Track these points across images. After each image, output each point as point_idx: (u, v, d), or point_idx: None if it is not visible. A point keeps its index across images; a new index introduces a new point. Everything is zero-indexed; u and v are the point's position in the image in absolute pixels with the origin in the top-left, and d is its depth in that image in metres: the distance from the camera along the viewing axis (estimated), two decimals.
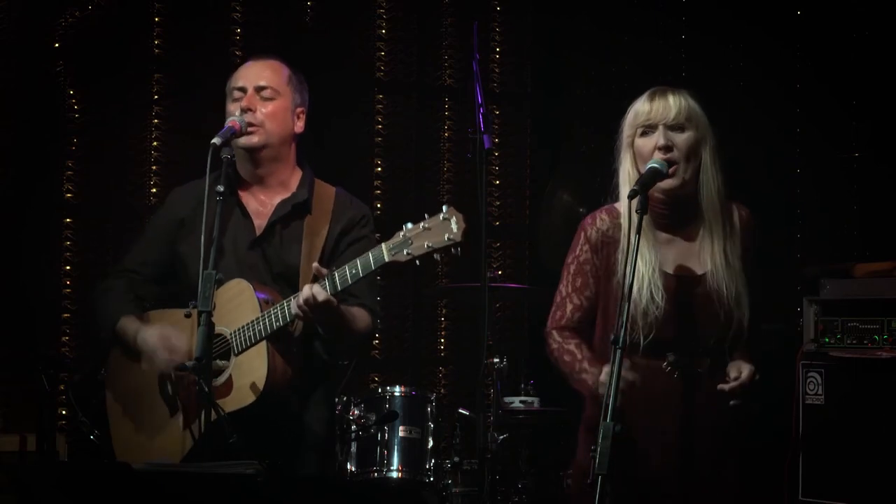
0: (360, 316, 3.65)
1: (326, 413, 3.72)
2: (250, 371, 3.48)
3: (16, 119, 5.41)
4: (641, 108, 3.26)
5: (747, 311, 3.26)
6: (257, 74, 3.74)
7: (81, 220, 5.60)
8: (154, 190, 5.68)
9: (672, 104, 3.22)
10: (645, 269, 3.24)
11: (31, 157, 5.43)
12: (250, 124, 3.66)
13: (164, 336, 3.61)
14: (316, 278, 3.43)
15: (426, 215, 3.34)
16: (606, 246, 3.34)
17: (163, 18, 5.77)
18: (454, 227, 3.28)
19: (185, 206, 3.78)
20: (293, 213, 3.72)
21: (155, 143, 5.74)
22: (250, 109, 3.67)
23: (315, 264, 3.45)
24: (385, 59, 6.39)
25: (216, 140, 3.51)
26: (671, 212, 3.29)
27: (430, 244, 3.29)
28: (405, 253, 3.31)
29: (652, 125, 3.23)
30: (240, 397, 3.47)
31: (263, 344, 3.48)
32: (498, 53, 6.69)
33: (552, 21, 6.72)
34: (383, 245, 3.35)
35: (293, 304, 3.41)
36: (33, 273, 5.39)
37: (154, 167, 5.73)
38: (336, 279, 3.39)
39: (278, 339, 3.50)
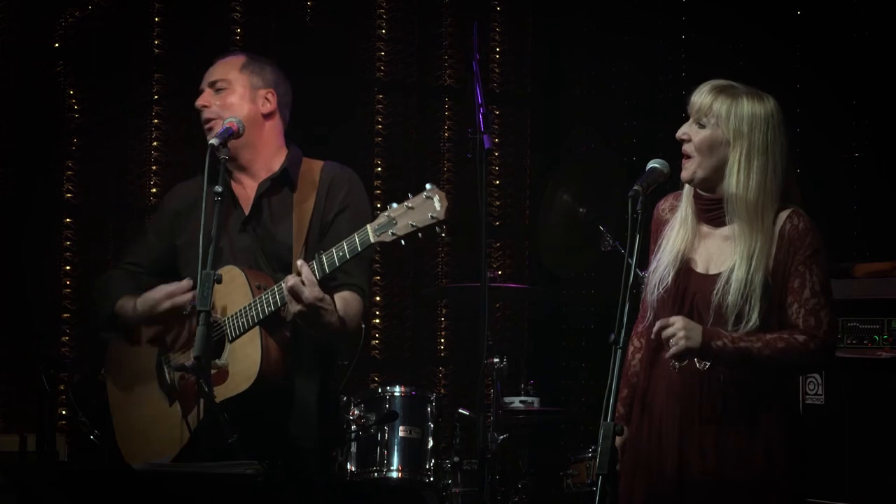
0: (350, 303, 3.62)
1: (318, 388, 3.68)
2: (244, 357, 3.48)
3: (16, 119, 5.40)
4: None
5: (754, 322, 3.10)
6: (210, 73, 3.81)
7: (81, 220, 5.59)
8: (154, 190, 5.68)
9: (696, 99, 3.21)
10: (667, 257, 3.24)
11: (31, 157, 5.43)
12: (208, 120, 3.71)
13: (164, 287, 3.64)
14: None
15: (409, 195, 3.34)
16: (661, 225, 3.36)
17: (163, 18, 5.76)
18: (437, 205, 3.28)
19: (181, 200, 3.81)
20: (274, 186, 3.71)
21: (155, 143, 5.74)
22: (205, 106, 3.73)
23: (299, 261, 3.44)
24: (385, 59, 6.38)
25: (214, 140, 3.52)
26: (704, 206, 3.26)
27: (414, 223, 3.29)
28: (390, 234, 3.32)
29: (689, 115, 3.25)
30: (235, 384, 3.47)
31: (256, 330, 3.49)
32: (498, 53, 6.68)
33: (552, 21, 6.72)
34: (369, 226, 3.36)
35: (284, 289, 3.41)
36: (33, 273, 5.39)
37: (154, 167, 5.72)
38: (324, 262, 3.40)
39: (271, 324, 3.51)
